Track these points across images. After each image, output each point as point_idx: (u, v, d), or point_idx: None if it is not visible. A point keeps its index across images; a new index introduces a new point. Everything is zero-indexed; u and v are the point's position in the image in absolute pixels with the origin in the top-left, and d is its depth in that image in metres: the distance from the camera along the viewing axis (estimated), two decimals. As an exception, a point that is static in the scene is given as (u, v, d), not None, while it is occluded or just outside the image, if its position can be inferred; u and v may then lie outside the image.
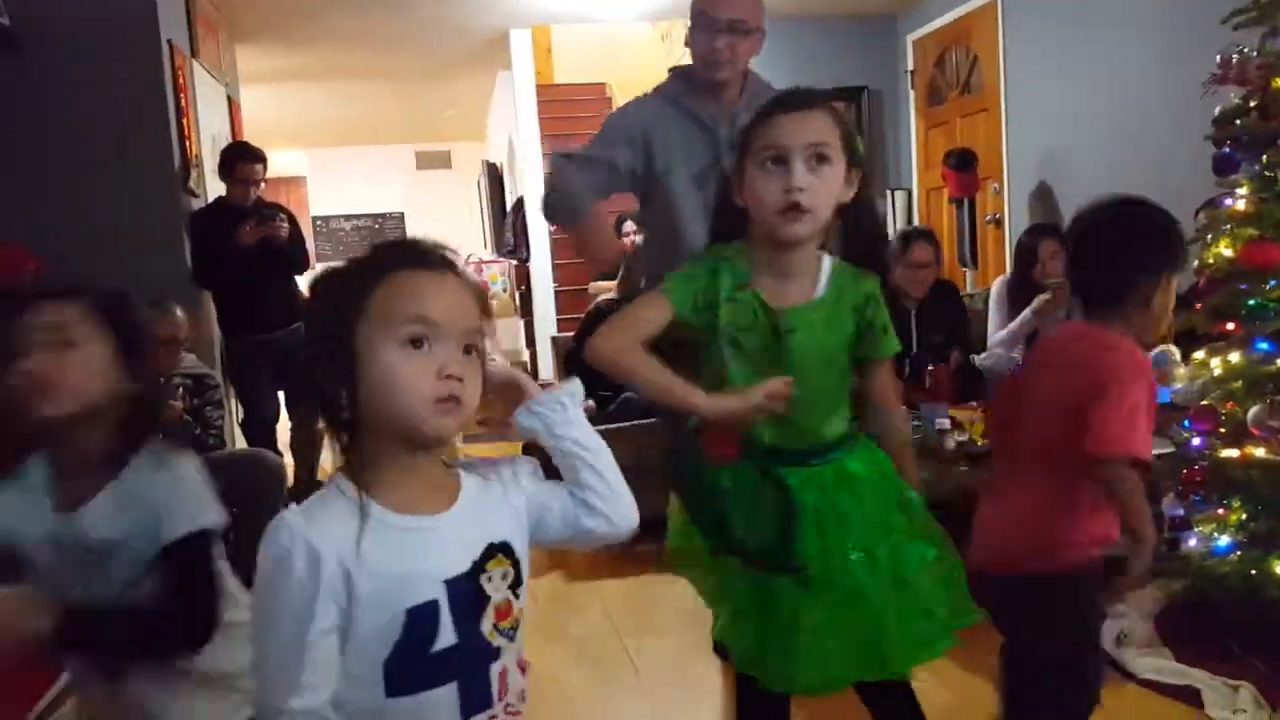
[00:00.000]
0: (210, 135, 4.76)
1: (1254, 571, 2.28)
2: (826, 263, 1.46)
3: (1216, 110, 2.55)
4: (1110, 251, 1.59)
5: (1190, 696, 2.16)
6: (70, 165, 3.91)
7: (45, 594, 1.18)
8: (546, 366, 5.79)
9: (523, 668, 1.04)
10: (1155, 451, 2.75)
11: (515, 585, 1.01)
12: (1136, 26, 4.16)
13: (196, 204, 4.38)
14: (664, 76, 2.49)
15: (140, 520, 1.22)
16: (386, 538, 0.93)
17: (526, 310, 7.04)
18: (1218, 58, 2.51)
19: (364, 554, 0.92)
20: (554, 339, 5.11)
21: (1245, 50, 2.46)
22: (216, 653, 1.26)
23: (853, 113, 5.90)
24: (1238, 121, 2.48)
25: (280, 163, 9.16)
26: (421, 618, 0.93)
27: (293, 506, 0.94)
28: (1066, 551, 1.54)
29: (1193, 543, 2.46)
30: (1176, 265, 1.59)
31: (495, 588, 0.99)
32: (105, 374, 1.25)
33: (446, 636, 0.95)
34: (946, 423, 3.05)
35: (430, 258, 0.96)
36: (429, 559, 0.95)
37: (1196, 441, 2.46)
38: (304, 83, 7.04)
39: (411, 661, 0.94)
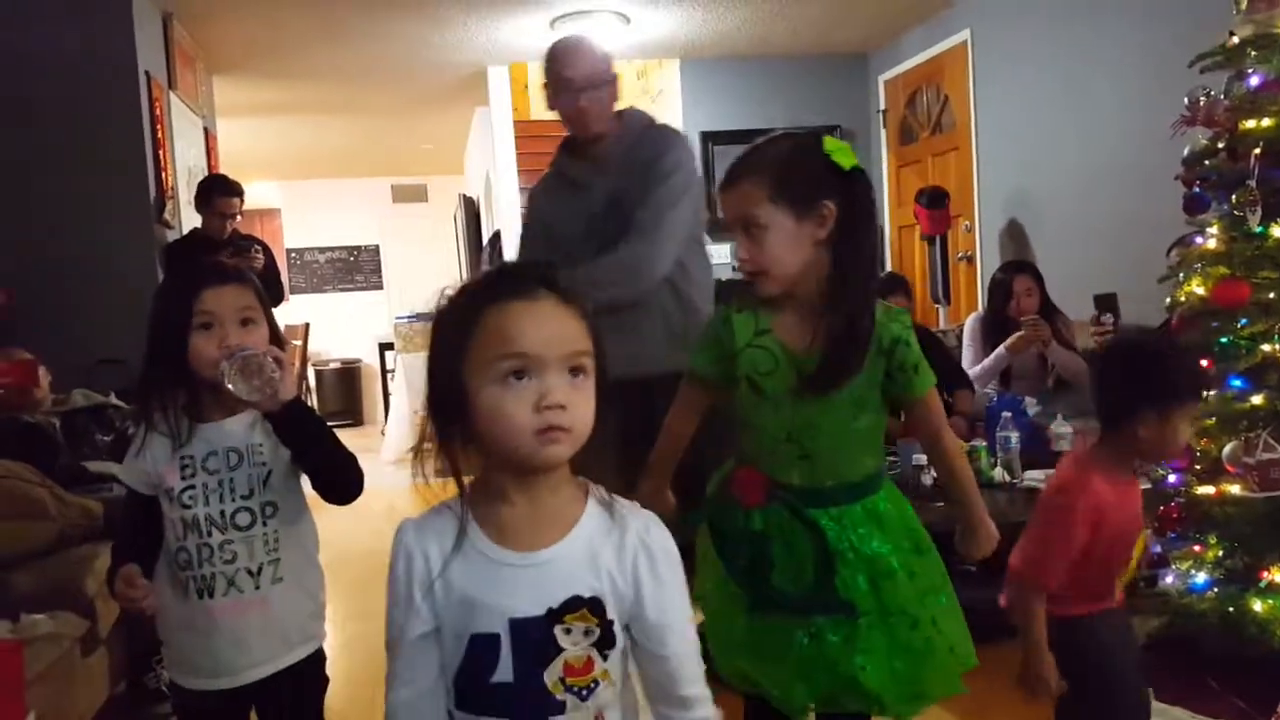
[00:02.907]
0: (186, 167, 4.73)
1: (1231, 608, 2.29)
2: None
3: (1185, 151, 2.60)
4: (1103, 381, 1.67)
5: (1170, 734, 2.16)
6: (45, 195, 3.88)
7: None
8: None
9: None
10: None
11: (603, 645, 0.98)
12: (1106, 67, 4.25)
13: (171, 235, 4.35)
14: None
15: (267, 429, 1.51)
16: (472, 562, 0.97)
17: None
18: (1185, 100, 2.57)
19: (449, 572, 0.97)
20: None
21: (1212, 93, 2.52)
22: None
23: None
24: (1207, 162, 2.53)
25: (255, 194, 9.12)
26: (482, 646, 0.96)
27: (413, 516, 1.01)
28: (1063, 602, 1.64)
29: (1170, 580, 2.47)
30: (1169, 401, 1.57)
31: (573, 641, 0.96)
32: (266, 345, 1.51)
33: (504, 672, 0.95)
34: (923, 459, 3.07)
35: (523, 284, 0.95)
36: (500, 595, 0.96)
37: (1173, 478, 2.49)
38: (281, 115, 7.03)
39: (472, 684, 0.97)
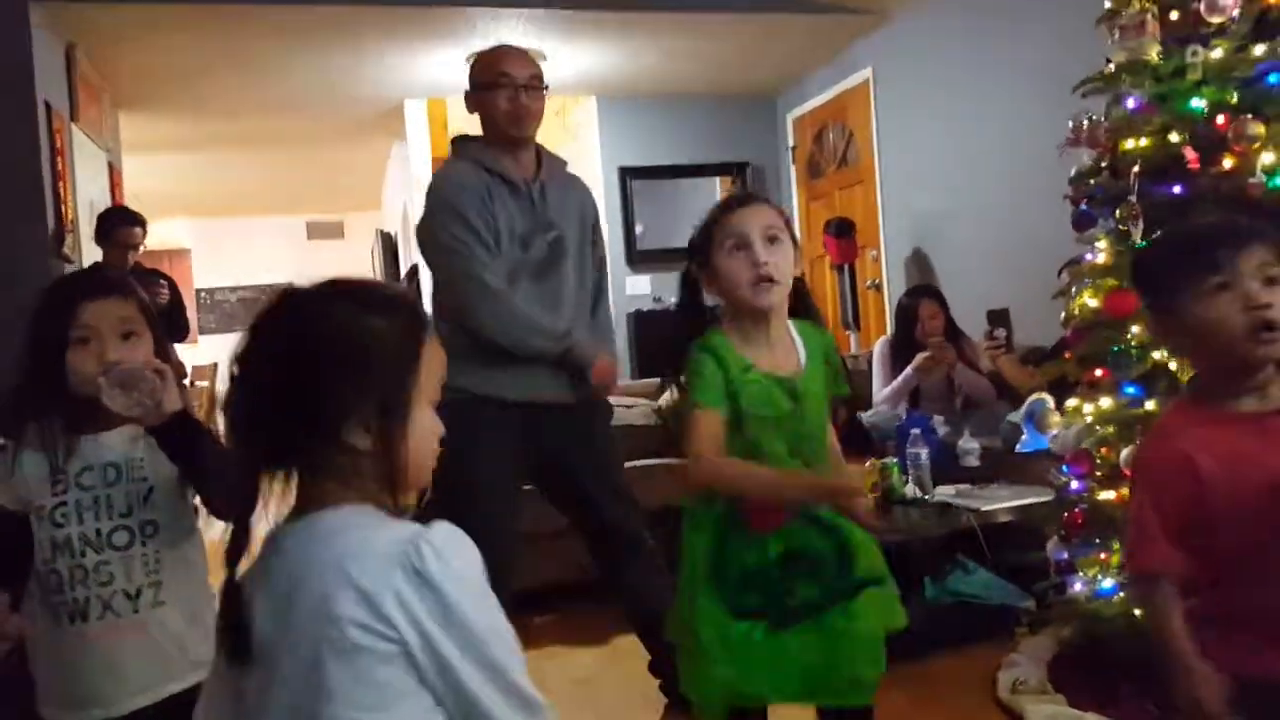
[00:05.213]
0: (88, 200, 4.59)
1: (1138, 611, 2.34)
2: (791, 326, 1.69)
3: (1072, 171, 2.73)
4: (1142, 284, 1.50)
5: (1083, 737, 2.18)
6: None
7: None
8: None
9: None
10: (1032, 500, 2.91)
11: None
12: (997, 96, 4.46)
13: (71, 270, 4.20)
14: (561, 151, 2.57)
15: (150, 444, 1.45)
16: None
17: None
18: (1069, 123, 2.71)
19: None
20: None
21: (1094, 116, 2.66)
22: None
23: (738, 186, 6.17)
24: (1091, 181, 2.66)
25: (165, 233, 8.89)
26: None
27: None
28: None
29: (1078, 587, 2.53)
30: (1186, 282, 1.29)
31: None
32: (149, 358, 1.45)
33: None
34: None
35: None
36: None
37: (1075, 485, 2.56)
38: (191, 151, 6.89)
39: None
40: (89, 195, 4.63)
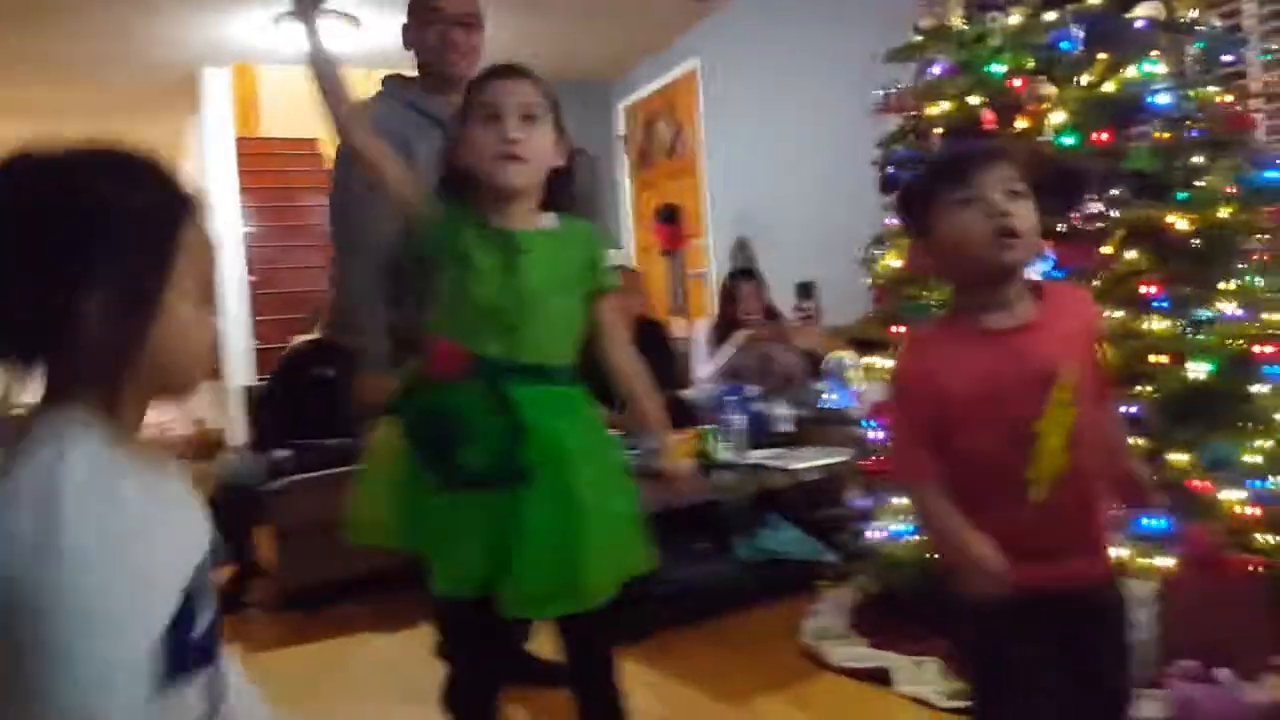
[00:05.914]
0: None
1: (929, 554, 2.38)
2: (547, 216, 1.56)
3: (883, 135, 2.78)
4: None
5: (882, 677, 2.23)
6: None
7: None
8: (239, 428, 5.25)
9: None
10: (838, 459, 2.93)
11: None
12: (817, 88, 4.57)
13: None
14: None
15: None
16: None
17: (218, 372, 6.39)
18: (879, 92, 2.76)
19: None
20: (247, 388, 4.66)
21: (903, 85, 2.72)
22: None
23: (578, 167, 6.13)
24: (895, 146, 2.72)
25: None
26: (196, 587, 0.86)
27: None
28: None
29: (876, 534, 2.56)
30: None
31: None
32: None
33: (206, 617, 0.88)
34: (654, 444, 3.05)
35: None
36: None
37: (876, 435, 2.59)
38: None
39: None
40: None
